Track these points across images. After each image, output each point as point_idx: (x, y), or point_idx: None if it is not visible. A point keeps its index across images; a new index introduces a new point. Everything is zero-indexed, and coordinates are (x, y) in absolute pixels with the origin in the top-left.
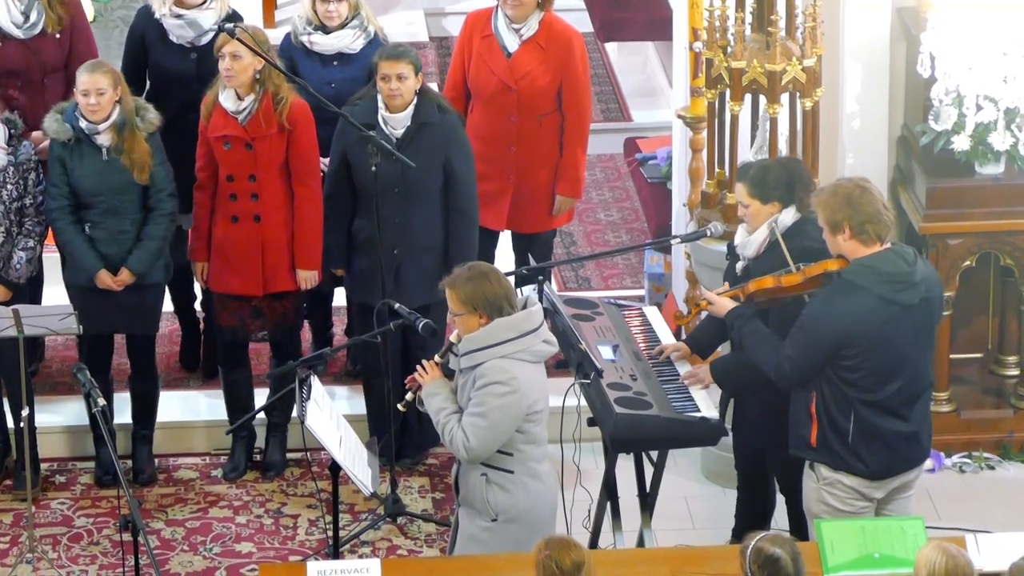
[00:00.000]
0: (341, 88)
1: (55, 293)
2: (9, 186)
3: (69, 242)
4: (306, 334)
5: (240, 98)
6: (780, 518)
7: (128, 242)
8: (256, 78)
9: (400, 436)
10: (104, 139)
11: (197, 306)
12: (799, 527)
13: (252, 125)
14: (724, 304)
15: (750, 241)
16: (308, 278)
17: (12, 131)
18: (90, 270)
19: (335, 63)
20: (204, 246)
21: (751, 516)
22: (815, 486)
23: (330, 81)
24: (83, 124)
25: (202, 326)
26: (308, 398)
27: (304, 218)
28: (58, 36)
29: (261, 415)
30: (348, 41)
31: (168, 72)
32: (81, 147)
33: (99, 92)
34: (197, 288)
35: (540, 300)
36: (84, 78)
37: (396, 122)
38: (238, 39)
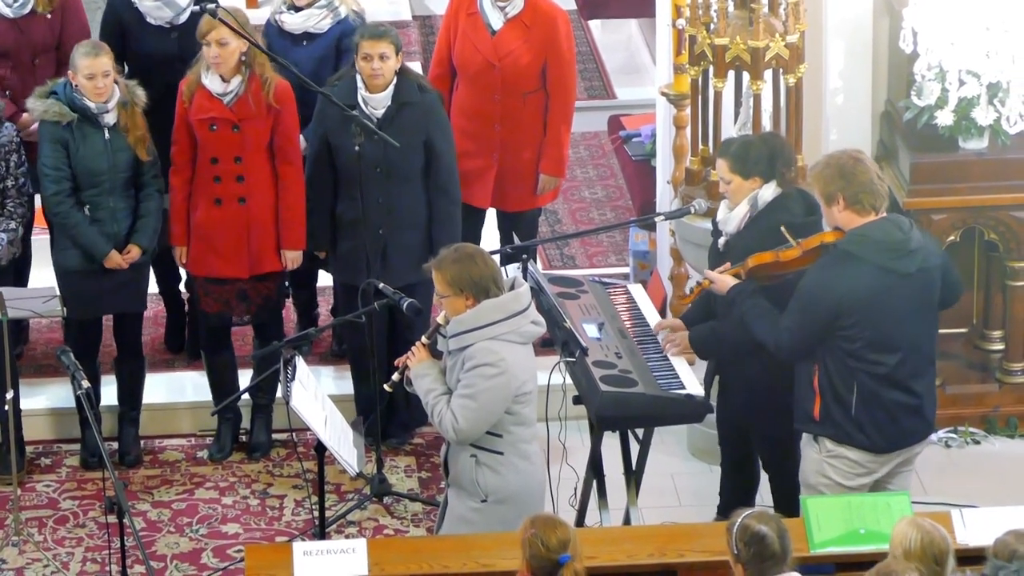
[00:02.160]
0: (304, 68)
1: (43, 275)
2: None
3: (76, 226)
4: (291, 315)
5: (226, 80)
6: (765, 495)
7: (124, 220)
8: (242, 60)
9: (386, 416)
10: (111, 118)
11: (181, 287)
12: (783, 503)
13: (239, 106)
14: (726, 281)
15: (731, 217)
16: (294, 258)
17: None
18: (101, 252)
19: (303, 42)
20: (183, 230)
21: (736, 492)
22: (817, 458)
23: (295, 61)
24: (91, 104)
25: (187, 307)
26: (293, 379)
27: (290, 197)
28: (48, 16)
29: (246, 396)
30: (314, 21)
31: (150, 55)
32: (83, 128)
33: (104, 74)
34: (182, 270)
35: (524, 278)
36: (88, 62)
37: (376, 102)
38: (222, 21)
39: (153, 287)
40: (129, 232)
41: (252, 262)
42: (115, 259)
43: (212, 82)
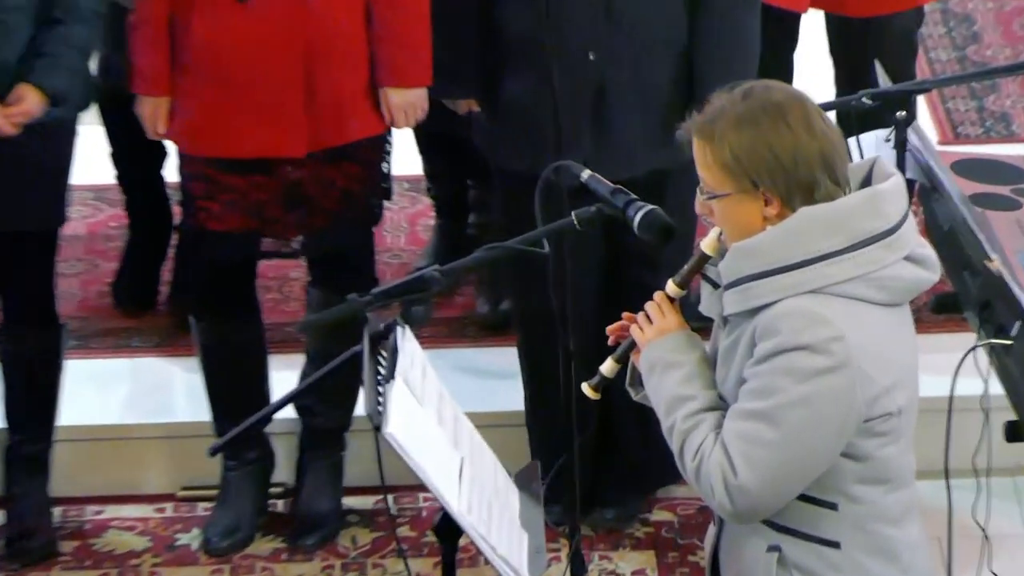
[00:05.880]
0: None
1: None
2: None
3: None
4: (389, 240)
5: None
6: None
7: (16, 43)
8: None
9: (595, 460)
10: None
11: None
12: None
13: None
14: None
15: None
16: (408, 105)
17: None
18: None
19: None
20: (162, 65)
21: None
22: None
23: None
24: None
25: (175, 223)
26: (391, 376)
27: None
28: None
29: (285, 413)
30: None
31: None
32: None
33: None
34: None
35: (899, 164)
36: None
37: None
38: None
39: (94, 178)
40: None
41: (318, 124)
42: None
43: None
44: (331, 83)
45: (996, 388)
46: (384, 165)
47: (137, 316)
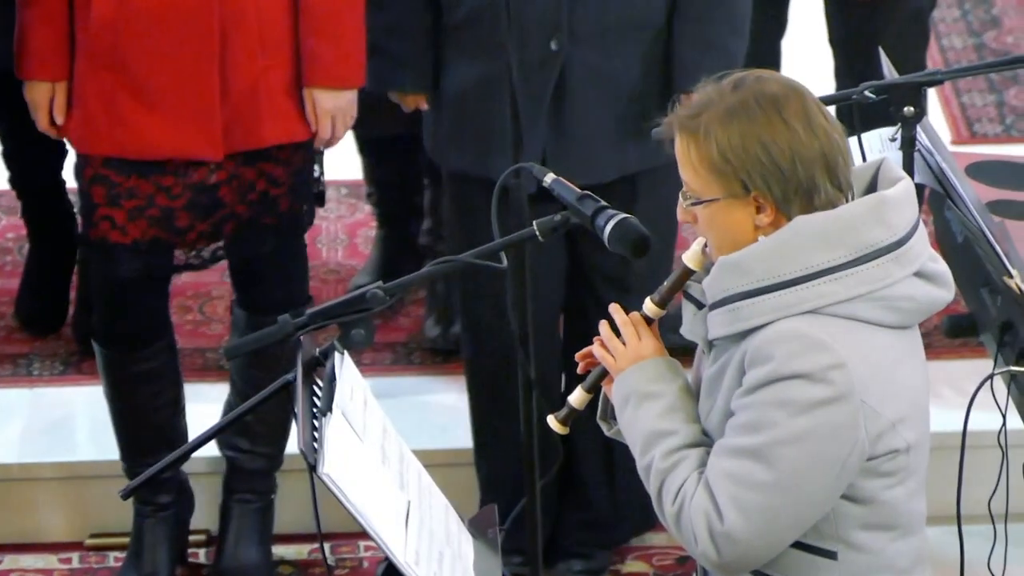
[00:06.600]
0: None
1: None
2: None
3: None
4: (325, 254)
5: None
6: None
7: None
8: None
9: (559, 502)
10: None
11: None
12: None
13: None
14: None
15: None
16: (340, 110)
17: None
18: None
19: None
20: (63, 37)
21: None
22: None
23: None
24: None
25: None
26: (328, 408)
27: None
28: None
29: (207, 451)
30: None
31: None
32: None
33: None
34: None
35: (907, 168)
36: None
37: None
38: None
39: None
40: None
41: (230, 123)
42: None
43: None
44: (248, 75)
45: (1016, 422)
46: (315, 167)
47: (40, 339)
